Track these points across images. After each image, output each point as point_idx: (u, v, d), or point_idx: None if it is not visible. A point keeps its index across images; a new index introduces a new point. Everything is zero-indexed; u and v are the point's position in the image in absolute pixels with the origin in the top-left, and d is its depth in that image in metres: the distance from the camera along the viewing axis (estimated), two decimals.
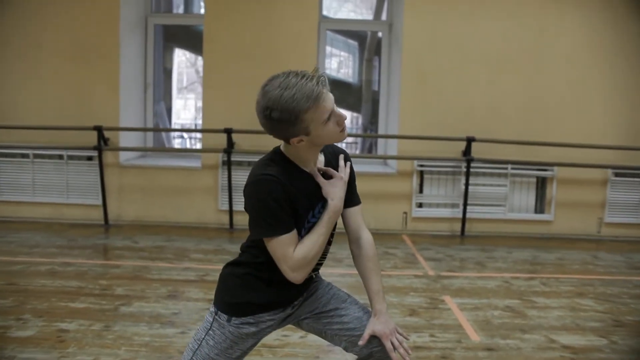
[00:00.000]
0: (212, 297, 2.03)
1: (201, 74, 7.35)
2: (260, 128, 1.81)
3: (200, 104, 8.24)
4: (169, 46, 9.27)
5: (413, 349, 3.11)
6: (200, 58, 8.50)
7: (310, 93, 1.70)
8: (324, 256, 2.01)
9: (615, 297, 4.50)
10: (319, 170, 1.93)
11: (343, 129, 1.85)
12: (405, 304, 4.16)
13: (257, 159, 1.95)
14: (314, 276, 2.07)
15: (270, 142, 1.95)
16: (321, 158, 1.97)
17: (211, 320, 1.99)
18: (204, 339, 1.98)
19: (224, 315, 1.96)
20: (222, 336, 1.96)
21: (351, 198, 2.04)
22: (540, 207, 6.82)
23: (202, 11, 7.12)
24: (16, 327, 3.51)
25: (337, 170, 1.96)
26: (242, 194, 1.88)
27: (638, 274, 5.27)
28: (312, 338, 3.34)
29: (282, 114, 1.71)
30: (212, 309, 2.01)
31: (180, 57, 11.87)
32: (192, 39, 9.26)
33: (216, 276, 2.05)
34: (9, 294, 4.11)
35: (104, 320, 3.68)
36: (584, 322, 3.90)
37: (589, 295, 4.52)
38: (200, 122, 7.45)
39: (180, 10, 9.03)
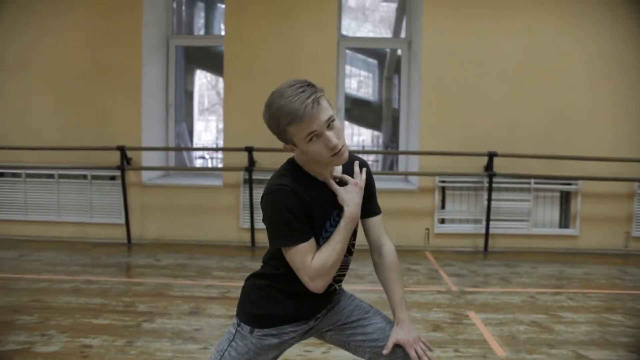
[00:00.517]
0: (234, 313, 2.02)
1: (222, 96, 7.43)
2: (281, 146, 1.84)
3: (221, 125, 8.32)
4: (190, 68, 9.41)
5: None
6: (221, 80, 8.62)
7: (295, 111, 1.72)
8: (345, 267, 2.00)
9: None
10: (335, 178, 1.92)
11: (335, 154, 1.78)
12: (428, 320, 4.11)
13: None
14: (337, 288, 2.05)
15: None
16: (338, 167, 1.96)
17: (234, 332, 1.98)
18: (226, 350, 1.97)
19: (247, 327, 1.95)
20: (245, 347, 1.95)
21: (371, 207, 2.03)
22: (564, 221, 6.72)
23: (223, 32, 7.22)
24: (41, 343, 3.53)
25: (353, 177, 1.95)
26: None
27: None
28: (335, 353, 3.32)
29: (269, 119, 1.81)
30: (235, 320, 2.00)
31: (202, 80, 12.06)
32: (212, 60, 9.40)
33: (238, 293, 2.05)
34: (34, 311, 4.15)
35: (127, 336, 3.70)
36: (614, 338, 3.81)
37: (617, 310, 4.41)
38: (221, 143, 7.51)
39: (201, 32, 9.17)
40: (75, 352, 3.41)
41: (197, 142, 11.45)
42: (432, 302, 4.56)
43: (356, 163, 1.98)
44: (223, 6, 7.05)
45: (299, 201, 1.80)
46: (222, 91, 7.60)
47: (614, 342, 3.71)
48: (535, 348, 3.58)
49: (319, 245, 1.86)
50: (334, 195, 1.89)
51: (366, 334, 2.00)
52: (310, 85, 1.79)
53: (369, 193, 2.00)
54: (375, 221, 2.06)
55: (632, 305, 4.58)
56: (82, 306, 4.33)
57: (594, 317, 4.23)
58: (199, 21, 9.55)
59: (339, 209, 1.90)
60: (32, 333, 3.69)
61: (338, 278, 2.00)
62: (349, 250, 1.96)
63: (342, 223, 1.87)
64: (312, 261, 1.81)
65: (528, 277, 5.42)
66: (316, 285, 1.84)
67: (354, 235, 1.96)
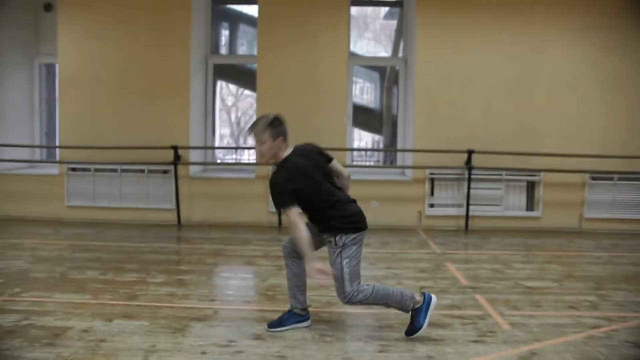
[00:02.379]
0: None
1: (226, 102, 9.03)
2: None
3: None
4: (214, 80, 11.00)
5: (422, 289, 4.70)
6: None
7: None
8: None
9: (575, 264, 6.01)
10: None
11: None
12: (417, 267, 5.73)
13: None
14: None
15: None
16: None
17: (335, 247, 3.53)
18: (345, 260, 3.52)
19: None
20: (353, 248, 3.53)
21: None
22: (530, 205, 8.34)
23: (241, 51, 8.85)
24: (150, 278, 5.14)
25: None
26: None
27: (598, 250, 6.75)
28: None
29: None
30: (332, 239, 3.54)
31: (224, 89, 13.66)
32: (235, 74, 11.03)
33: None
34: (134, 264, 5.76)
35: (206, 274, 5.33)
36: (546, 275, 5.42)
37: (555, 262, 6.03)
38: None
39: (224, 51, 10.77)
40: (174, 282, 5.02)
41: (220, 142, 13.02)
42: (421, 259, 6.18)
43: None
44: (245, 28, 8.68)
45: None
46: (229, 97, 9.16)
47: (545, 278, 5.32)
48: (489, 280, 5.20)
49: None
50: None
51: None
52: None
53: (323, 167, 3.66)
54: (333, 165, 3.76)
55: (568, 260, 6.19)
56: (166, 260, 5.95)
57: (537, 266, 5.85)
58: (223, 40, 11.18)
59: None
60: (141, 274, 5.31)
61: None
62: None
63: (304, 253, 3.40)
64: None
65: (496, 245, 7.04)
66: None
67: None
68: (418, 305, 3.59)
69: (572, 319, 4.09)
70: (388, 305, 3.63)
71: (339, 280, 3.49)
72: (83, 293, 4.61)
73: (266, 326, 3.76)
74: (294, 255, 3.70)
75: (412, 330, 3.60)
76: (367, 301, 3.55)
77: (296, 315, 3.79)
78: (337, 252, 3.49)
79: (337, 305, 4.23)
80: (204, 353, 3.34)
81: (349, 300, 3.52)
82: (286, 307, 3.88)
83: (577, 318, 4.12)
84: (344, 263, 3.48)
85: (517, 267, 5.77)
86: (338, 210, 3.52)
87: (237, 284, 5.15)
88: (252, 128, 3.57)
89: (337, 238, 3.50)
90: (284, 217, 8.19)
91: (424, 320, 3.58)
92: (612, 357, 3.35)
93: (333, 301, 4.30)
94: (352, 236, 3.50)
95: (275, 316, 3.86)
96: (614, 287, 5.03)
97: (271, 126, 3.52)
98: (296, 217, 3.37)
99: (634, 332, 3.82)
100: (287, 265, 3.77)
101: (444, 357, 3.34)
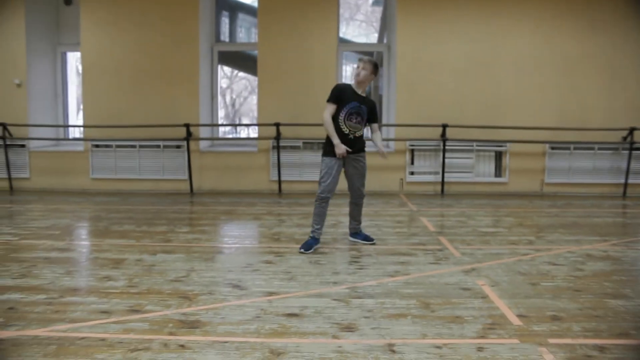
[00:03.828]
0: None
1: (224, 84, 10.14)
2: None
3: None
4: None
5: (395, 234, 5.92)
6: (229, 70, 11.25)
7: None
8: (356, 128, 5.06)
9: (527, 217, 7.24)
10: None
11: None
12: (395, 220, 6.94)
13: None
14: (352, 137, 5.06)
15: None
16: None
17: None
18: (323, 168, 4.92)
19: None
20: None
21: (373, 119, 5.16)
22: (498, 172, 9.56)
23: (240, 38, 9.96)
24: (179, 229, 6.34)
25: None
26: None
27: (550, 208, 7.98)
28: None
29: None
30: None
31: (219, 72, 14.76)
32: (236, 59, 12.16)
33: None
34: (164, 220, 6.95)
35: (224, 222, 6.53)
36: (501, 224, 6.65)
37: (511, 216, 7.26)
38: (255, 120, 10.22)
39: (225, 38, 11.88)
40: (198, 231, 6.22)
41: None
42: (399, 214, 7.40)
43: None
44: (243, 16, 9.80)
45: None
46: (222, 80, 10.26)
47: (498, 226, 6.54)
48: (452, 227, 6.43)
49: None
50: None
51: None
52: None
53: (373, 113, 5.07)
54: (373, 127, 5.15)
55: (523, 215, 7.42)
56: (187, 217, 7.15)
57: (495, 219, 7.08)
58: (225, 28, 12.28)
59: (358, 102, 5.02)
60: (169, 226, 6.50)
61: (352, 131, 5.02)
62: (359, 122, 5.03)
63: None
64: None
65: (465, 206, 8.26)
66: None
67: (361, 117, 5.01)
68: (316, 236, 5.23)
69: (510, 250, 5.32)
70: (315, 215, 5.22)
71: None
72: (127, 239, 5.80)
73: (300, 249, 5.19)
74: (329, 199, 5.20)
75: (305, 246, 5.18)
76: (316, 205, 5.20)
77: (317, 239, 5.28)
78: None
79: (329, 243, 5.45)
80: (230, 271, 4.55)
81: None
82: (288, 248, 5.09)
83: (514, 249, 5.35)
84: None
85: (478, 220, 7.00)
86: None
87: (248, 231, 6.36)
88: (367, 59, 5.11)
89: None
90: (283, 185, 9.40)
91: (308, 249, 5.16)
92: (530, 271, 4.57)
93: (324, 240, 5.52)
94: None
95: (281, 251, 5.09)
96: (551, 231, 6.26)
97: (376, 65, 5.12)
98: None
99: (553, 257, 5.04)
100: (322, 207, 5.22)
101: (407, 271, 4.55)
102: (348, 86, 5.17)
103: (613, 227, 6.65)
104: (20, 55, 9.75)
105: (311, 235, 5.27)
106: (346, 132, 5.07)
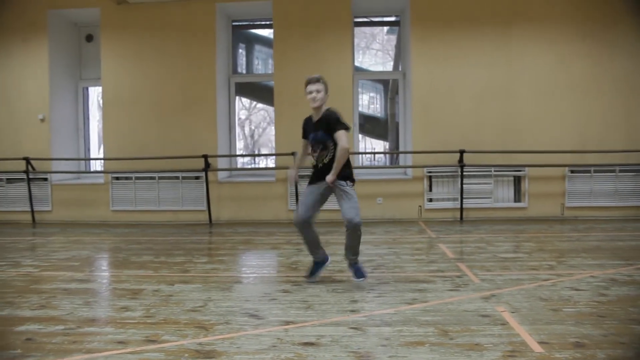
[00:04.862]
0: (298, 250, 4.82)
1: (238, 115, 10.24)
2: None
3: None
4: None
5: (414, 261, 5.86)
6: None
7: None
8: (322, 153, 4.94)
9: (548, 242, 7.13)
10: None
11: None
12: (414, 247, 6.89)
13: None
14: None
15: None
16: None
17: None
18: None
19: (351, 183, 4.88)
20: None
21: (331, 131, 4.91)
22: (517, 197, 9.46)
23: (257, 69, 10.10)
24: (197, 258, 6.36)
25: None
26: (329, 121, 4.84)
27: (572, 232, 7.85)
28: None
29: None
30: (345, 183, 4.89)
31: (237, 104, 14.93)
32: (252, 90, 12.31)
33: (298, 243, 4.87)
34: (182, 251, 6.99)
35: (242, 252, 6.53)
36: (520, 250, 6.56)
37: (532, 241, 7.16)
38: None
39: (242, 70, 12.06)
40: (216, 261, 6.23)
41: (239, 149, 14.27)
42: (417, 241, 7.34)
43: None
44: (259, 48, 9.94)
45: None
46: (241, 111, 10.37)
47: (518, 252, 6.45)
48: (471, 254, 6.35)
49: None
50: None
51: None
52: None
53: (329, 127, 4.87)
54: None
55: (543, 239, 7.30)
56: (205, 248, 7.17)
57: (515, 244, 6.99)
58: (242, 60, 12.47)
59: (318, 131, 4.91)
60: (187, 257, 6.53)
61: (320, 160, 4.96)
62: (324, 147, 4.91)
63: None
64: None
65: (484, 231, 8.17)
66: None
67: (322, 144, 4.89)
68: (317, 260, 5.10)
69: (530, 276, 5.23)
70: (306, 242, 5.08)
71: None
72: (145, 269, 5.83)
73: (305, 278, 5.13)
74: (307, 225, 4.99)
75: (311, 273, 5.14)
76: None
77: (320, 263, 5.14)
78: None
79: (346, 271, 5.42)
80: (247, 300, 4.53)
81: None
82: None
83: (534, 275, 5.26)
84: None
85: (497, 245, 6.91)
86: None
87: (266, 261, 6.36)
88: (314, 78, 4.93)
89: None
90: None
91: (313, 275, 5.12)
92: (551, 297, 4.48)
93: (342, 268, 5.48)
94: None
95: (299, 281, 5.09)
96: (573, 256, 6.15)
97: (327, 85, 4.96)
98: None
99: (575, 282, 4.95)
100: (304, 235, 5.02)
101: (426, 298, 4.50)
102: (309, 118, 5.10)
103: (637, 251, 6.51)
104: (44, 91, 9.99)
105: (314, 261, 5.21)
106: (314, 163, 5.09)
